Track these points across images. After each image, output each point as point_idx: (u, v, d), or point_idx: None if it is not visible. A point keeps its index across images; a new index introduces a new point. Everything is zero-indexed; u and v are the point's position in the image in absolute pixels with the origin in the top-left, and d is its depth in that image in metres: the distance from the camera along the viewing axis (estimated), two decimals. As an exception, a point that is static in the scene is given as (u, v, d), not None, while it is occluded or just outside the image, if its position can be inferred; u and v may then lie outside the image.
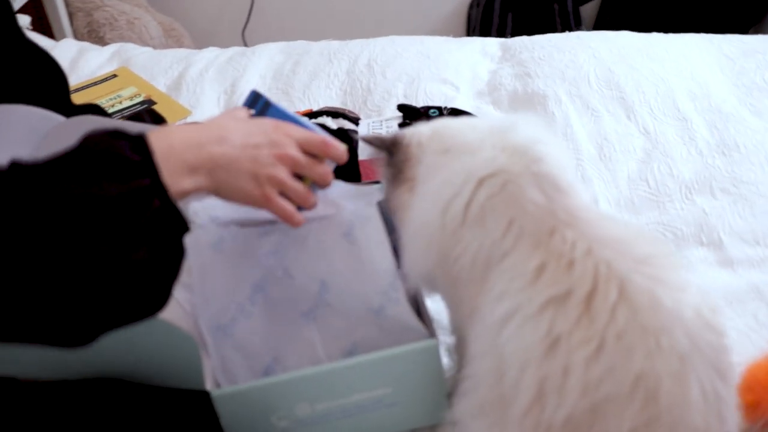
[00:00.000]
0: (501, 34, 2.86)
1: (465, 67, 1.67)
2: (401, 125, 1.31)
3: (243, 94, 1.59)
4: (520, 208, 0.77)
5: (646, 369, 0.69)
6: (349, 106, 1.54)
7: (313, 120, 1.40)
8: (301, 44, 1.78)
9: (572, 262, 0.72)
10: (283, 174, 0.76)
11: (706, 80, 1.56)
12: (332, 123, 1.40)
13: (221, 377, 0.87)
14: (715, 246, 1.17)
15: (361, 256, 0.87)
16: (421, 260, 0.84)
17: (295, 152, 0.76)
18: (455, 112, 1.35)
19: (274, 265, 0.90)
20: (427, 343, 0.85)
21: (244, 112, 0.82)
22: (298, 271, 0.90)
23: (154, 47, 2.57)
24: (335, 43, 1.76)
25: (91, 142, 0.64)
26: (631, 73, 1.56)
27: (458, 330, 0.88)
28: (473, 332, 0.79)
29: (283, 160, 0.74)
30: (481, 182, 0.79)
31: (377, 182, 1.28)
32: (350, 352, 0.90)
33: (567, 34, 1.77)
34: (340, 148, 0.82)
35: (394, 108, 1.51)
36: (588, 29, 2.91)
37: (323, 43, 1.78)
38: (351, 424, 0.89)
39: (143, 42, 2.63)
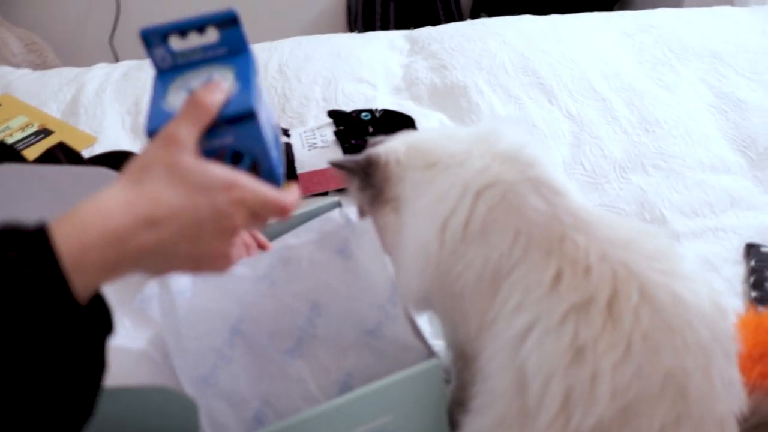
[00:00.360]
0: (385, 25, 2.84)
1: (377, 64, 1.63)
2: (336, 133, 1.26)
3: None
4: (524, 217, 0.74)
5: (675, 366, 0.68)
6: (267, 115, 1.47)
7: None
8: (200, 53, 1.67)
9: (589, 268, 0.71)
10: (226, 246, 0.58)
11: (613, 59, 1.60)
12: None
13: (208, 431, 0.80)
14: (659, 222, 1.20)
15: (358, 270, 0.83)
16: (417, 280, 0.80)
17: (242, 222, 0.58)
18: (387, 114, 1.31)
19: (264, 291, 0.85)
20: (429, 363, 0.81)
21: (189, 160, 0.57)
22: (289, 294, 0.85)
23: (18, 65, 2.36)
24: (239, 49, 1.67)
25: None
26: (544, 57, 1.58)
27: (460, 346, 0.85)
28: (488, 348, 0.76)
29: (228, 233, 0.57)
30: (478, 195, 0.76)
31: (322, 194, 1.24)
32: (344, 383, 0.85)
33: (471, 22, 1.77)
34: (293, 207, 0.64)
35: (316, 114, 1.45)
36: (467, 17, 2.95)
37: (225, 50, 1.68)
38: (353, 459, 0.84)
39: (5, 60, 2.41)
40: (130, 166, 0.55)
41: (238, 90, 0.62)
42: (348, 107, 1.44)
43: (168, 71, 0.65)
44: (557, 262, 0.72)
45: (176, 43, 0.65)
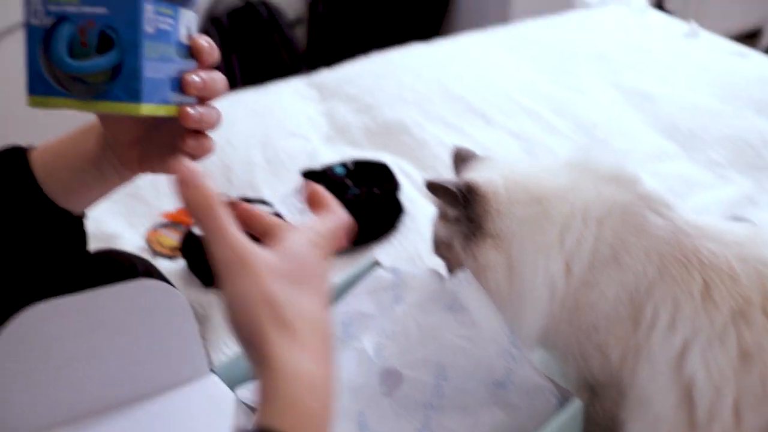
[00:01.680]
0: (230, 76, 2.74)
1: (299, 114, 1.57)
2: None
3: None
4: (650, 235, 0.75)
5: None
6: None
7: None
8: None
9: (734, 272, 0.72)
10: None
11: (520, 73, 1.67)
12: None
13: None
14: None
15: (474, 320, 0.78)
16: (541, 319, 0.78)
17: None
18: (360, 165, 1.26)
19: (378, 370, 0.79)
20: (574, 406, 0.78)
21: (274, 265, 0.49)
22: (408, 366, 0.79)
23: None
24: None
25: None
26: (460, 82, 1.62)
27: (590, 379, 0.82)
28: (641, 373, 0.75)
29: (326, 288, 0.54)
30: (601, 222, 0.76)
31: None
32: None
33: (369, 59, 1.77)
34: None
35: (264, 178, 1.37)
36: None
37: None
38: None
39: None
40: (272, 323, 0.46)
41: None
42: (293, 165, 1.37)
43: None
44: (700, 272, 0.73)
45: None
